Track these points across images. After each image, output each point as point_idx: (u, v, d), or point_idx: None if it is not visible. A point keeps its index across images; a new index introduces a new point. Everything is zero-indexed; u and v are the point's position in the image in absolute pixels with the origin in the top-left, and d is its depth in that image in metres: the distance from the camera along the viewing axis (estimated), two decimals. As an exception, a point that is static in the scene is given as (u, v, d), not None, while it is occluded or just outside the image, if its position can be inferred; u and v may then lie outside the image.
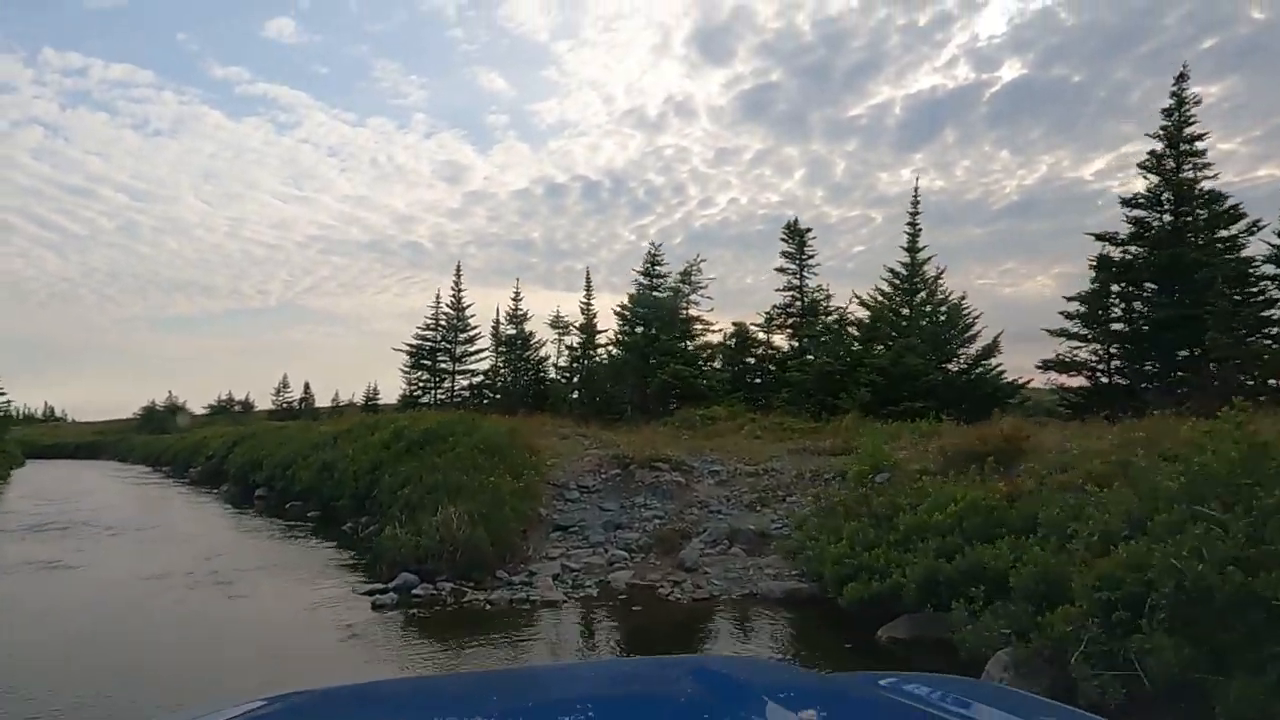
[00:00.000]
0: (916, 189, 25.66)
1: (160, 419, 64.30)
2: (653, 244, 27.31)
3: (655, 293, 27.18)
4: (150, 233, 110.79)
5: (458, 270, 39.62)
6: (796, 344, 32.16)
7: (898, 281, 25.13)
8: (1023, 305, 57.87)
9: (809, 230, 31.98)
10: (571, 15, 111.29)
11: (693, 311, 33.54)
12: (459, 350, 39.87)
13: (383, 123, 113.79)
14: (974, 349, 23.83)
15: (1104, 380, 21.61)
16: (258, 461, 26.74)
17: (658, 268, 27.35)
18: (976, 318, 24.07)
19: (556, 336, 33.15)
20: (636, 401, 26.03)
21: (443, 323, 39.39)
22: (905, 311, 24.99)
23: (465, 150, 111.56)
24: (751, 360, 34.39)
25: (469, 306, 39.28)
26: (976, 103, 68.27)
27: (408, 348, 39.16)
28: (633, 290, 27.64)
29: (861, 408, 18.49)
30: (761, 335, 33.86)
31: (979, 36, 76.82)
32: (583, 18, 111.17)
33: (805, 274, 32.06)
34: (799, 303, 31.89)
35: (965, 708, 1.28)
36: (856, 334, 21.98)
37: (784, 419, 19.24)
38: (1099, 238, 19.97)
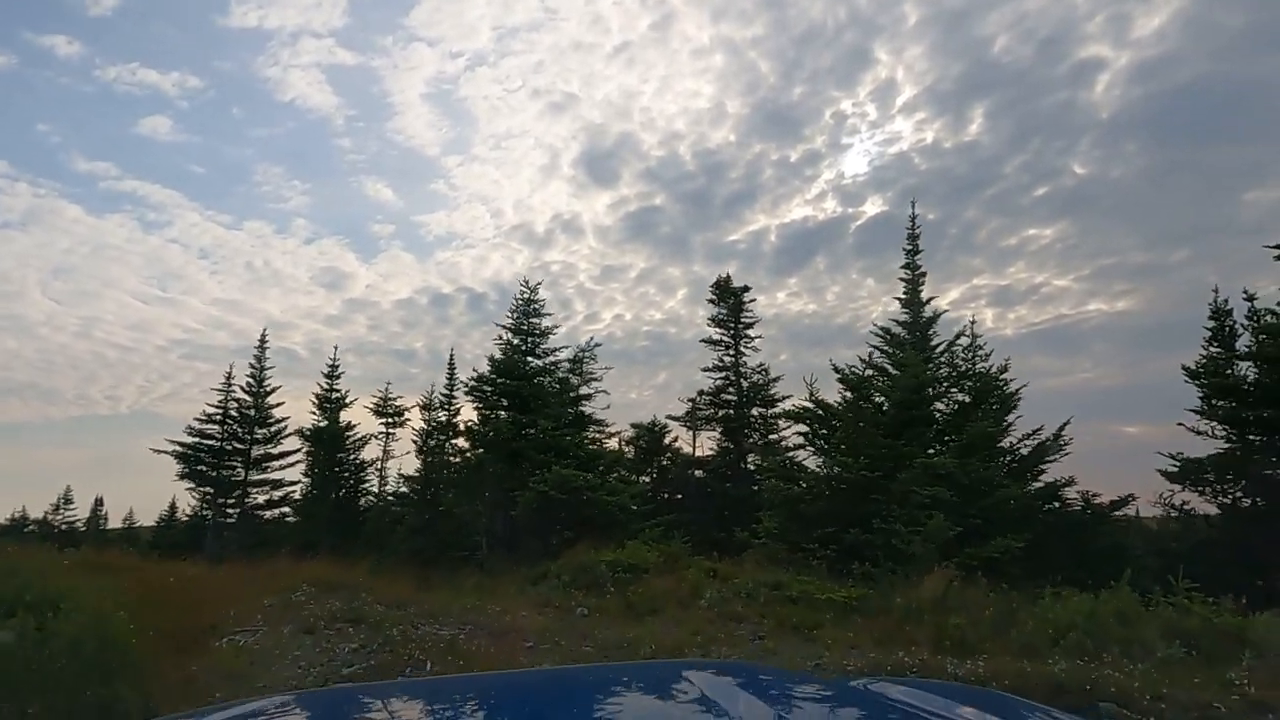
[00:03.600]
0: (914, 214, 17.78)
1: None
2: (525, 282, 17.88)
3: (531, 357, 17.55)
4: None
5: (262, 340, 28.66)
6: (731, 444, 23.10)
7: (894, 349, 16.55)
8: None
9: (746, 289, 23.66)
10: (462, 132, 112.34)
11: (584, 409, 24.20)
12: (256, 452, 28.42)
13: (260, 226, 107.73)
14: (1021, 447, 15.46)
15: (1244, 500, 13.56)
16: None
17: (534, 320, 17.74)
18: (1019, 398, 15.79)
19: (383, 430, 22.52)
20: (500, 532, 15.88)
21: (233, 414, 27.98)
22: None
23: (348, 258, 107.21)
24: (666, 464, 25.05)
25: (272, 392, 28.18)
26: (844, 234, 75.38)
27: (177, 449, 27.27)
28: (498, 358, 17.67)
29: (940, 550, 9.35)
30: (683, 436, 24.71)
31: (844, 174, 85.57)
32: (473, 135, 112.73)
33: (742, 347, 23.46)
34: (735, 386, 23.08)
35: (951, 710, 1.26)
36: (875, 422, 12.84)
37: (776, 575, 9.71)
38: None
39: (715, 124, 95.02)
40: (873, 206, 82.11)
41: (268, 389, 28.34)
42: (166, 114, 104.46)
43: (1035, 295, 64.23)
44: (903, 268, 17.74)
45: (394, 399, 23.33)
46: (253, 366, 28.50)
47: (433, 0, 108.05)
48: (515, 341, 17.58)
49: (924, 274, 17.54)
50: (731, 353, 23.26)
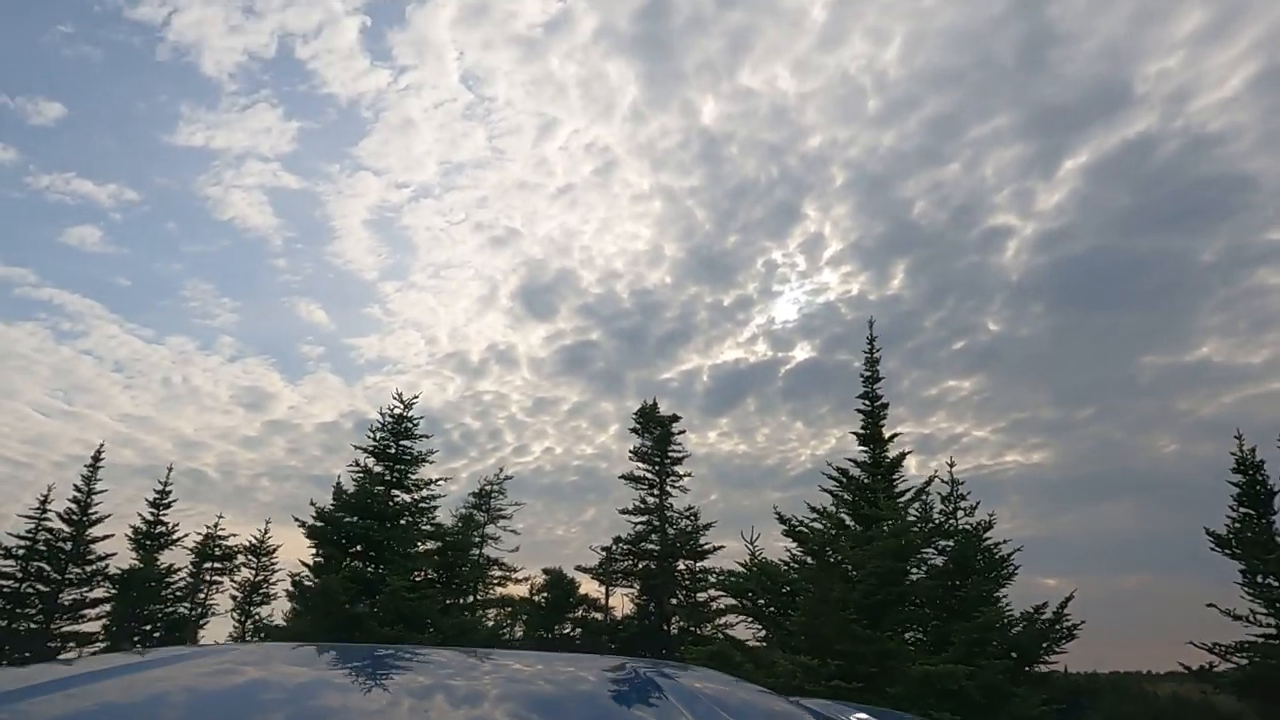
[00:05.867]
0: (871, 325, 15.08)
1: None
2: (398, 395, 14.13)
3: (400, 489, 13.50)
4: None
5: (95, 458, 23.69)
6: (653, 603, 19.08)
7: (855, 499, 13.30)
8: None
9: (675, 419, 20.42)
10: (402, 259, 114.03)
11: (489, 551, 20.21)
12: (67, 597, 22.79)
13: (183, 342, 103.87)
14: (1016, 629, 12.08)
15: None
16: None
17: (405, 444, 13.78)
18: (1013, 563, 12.64)
19: (207, 578, 17.74)
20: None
21: (41, 545, 22.55)
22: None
23: (272, 378, 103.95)
24: (570, 632, 20.71)
25: (99, 520, 22.99)
26: (774, 377, 78.05)
27: (-43, 590, 21.55)
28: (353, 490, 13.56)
29: None
30: (594, 589, 20.61)
31: (775, 320, 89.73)
32: (413, 262, 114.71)
33: (668, 486, 19.91)
34: (659, 532, 19.32)
35: None
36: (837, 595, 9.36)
37: None
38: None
39: (652, 265, 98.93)
40: (801, 352, 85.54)
41: (93, 517, 23.14)
42: (98, 224, 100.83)
43: (956, 445, 66.34)
44: (860, 398, 14.82)
45: (223, 538, 18.60)
46: (78, 490, 23.31)
47: (382, 133, 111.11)
48: (377, 470, 13.67)
49: (885, 405, 14.65)
50: (656, 492, 19.68)
